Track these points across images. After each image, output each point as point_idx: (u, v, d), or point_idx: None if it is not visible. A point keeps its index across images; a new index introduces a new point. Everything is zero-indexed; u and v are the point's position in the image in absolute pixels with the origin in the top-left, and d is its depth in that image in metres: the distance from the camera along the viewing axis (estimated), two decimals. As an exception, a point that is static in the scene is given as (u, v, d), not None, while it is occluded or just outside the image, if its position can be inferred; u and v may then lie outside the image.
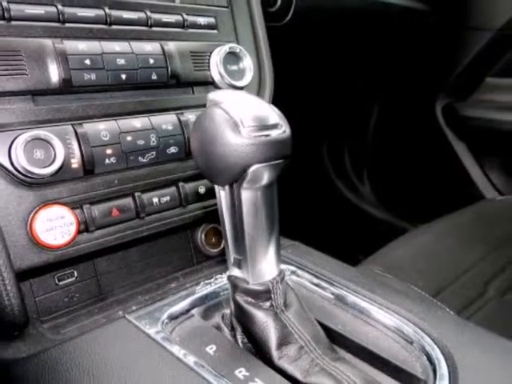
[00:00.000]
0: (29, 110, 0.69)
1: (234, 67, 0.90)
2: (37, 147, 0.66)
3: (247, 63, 0.91)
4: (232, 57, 0.89)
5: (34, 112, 0.69)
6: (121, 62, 0.76)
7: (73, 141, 0.70)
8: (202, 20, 0.88)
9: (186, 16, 0.86)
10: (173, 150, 0.80)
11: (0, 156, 0.65)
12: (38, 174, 0.66)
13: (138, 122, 0.77)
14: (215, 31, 0.91)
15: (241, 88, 0.90)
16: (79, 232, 0.71)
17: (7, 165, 0.66)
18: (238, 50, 0.89)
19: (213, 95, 0.59)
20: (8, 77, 0.67)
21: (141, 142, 0.76)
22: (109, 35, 0.77)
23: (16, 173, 0.66)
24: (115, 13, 0.78)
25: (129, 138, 0.75)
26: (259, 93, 0.96)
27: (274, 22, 1.15)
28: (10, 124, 0.67)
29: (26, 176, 0.66)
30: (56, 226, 0.68)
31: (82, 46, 0.73)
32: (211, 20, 0.90)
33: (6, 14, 0.68)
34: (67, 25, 0.74)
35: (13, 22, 0.69)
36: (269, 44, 0.99)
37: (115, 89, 0.77)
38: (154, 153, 0.78)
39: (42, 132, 0.67)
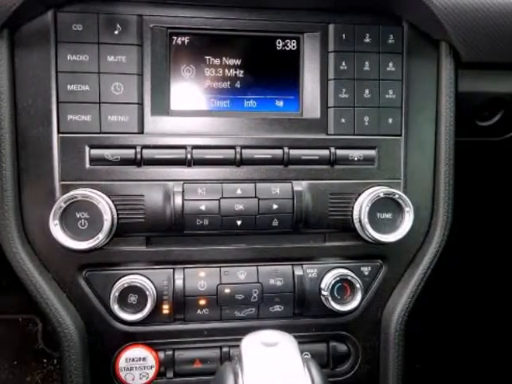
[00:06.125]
0: (141, 252, 0.54)
1: (387, 215, 0.54)
2: (132, 292, 0.52)
3: (407, 214, 0.53)
4: (387, 202, 0.54)
5: (145, 254, 0.54)
6: (239, 207, 0.53)
7: (170, 287, 0.53)
8: (356, 154, 0.55)
9: (334, 150, 0.55)
10: (277, 308, 0.54)
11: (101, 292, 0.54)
12: (128, 320, 0.53)
13: (242, 273, 0.54)
14: (373, 166, 0.56)
15: (386, 244, 0.54)
16: (157, 376, 0.55)
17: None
18: (396, 196, 0.53)
19: None
20: (128, 221, 0.52)
21: (239, 297, 0.54)
22: (234, 177, 0.54)
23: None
24: (246, 152, 0.54)
25: (227, 291, 0.53)
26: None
27: (485, 137, 0.66)
28: (119, 263, 0.54)
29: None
30: (136, 367, 0.53)
31: (200, 189, 0.53)
32: (370, 153, 0.56)
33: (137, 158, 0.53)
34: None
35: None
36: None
37: (225, 233, 0.54)
38: (253, 309, 0.54)
39: (138, 277, 0.53)
